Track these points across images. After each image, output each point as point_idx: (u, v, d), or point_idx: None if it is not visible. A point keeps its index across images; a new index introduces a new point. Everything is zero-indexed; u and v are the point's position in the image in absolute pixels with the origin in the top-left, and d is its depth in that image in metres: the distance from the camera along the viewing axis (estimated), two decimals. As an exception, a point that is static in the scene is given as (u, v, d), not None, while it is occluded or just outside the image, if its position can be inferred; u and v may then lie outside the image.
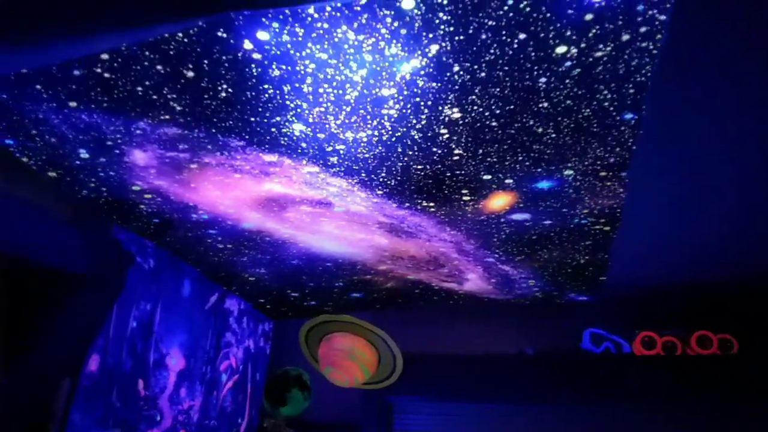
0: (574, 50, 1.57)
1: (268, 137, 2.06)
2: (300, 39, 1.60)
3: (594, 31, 1.51)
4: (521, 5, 1.45)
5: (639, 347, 3.18)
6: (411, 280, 3.38)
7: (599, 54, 1.59)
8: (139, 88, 1.81)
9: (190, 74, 1.74)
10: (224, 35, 1.60)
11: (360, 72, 1.70)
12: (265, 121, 1.96)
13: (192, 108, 1.89)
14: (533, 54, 1.59)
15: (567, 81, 1.69)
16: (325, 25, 1.55)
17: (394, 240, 2.85)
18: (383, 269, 3.21)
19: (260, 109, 1.90)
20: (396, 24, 1.52)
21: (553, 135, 1.95)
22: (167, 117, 1.94)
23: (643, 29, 1.52)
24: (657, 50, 1.56)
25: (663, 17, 1.48)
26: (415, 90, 1.76)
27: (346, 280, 3.38)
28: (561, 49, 1.57)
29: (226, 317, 3.50)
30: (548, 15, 1.49)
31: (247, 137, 2.06)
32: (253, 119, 1.95)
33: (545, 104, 1.80)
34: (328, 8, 1.52)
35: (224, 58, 1.68)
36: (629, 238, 2.65)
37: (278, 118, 1.95)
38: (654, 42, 1.54)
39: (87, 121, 1.97)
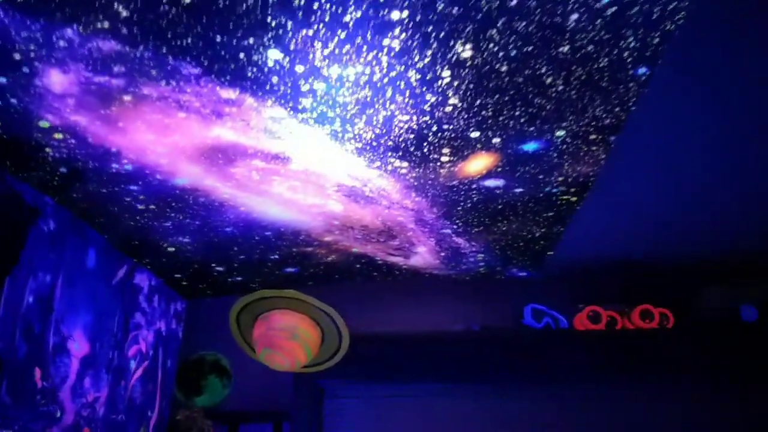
0: (620, -18, 1.41)
1: (232, 65, 1.67)
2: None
3: (650, -42, 1.35)
4: None
5: (585, 322, 3.20)
6: (355, 254, 3.10)
7: (645, -9, 1.44)
8: (71, -24, 1.36)
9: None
10: None
11: (372, -16, 1.40)
12: (234, 42, 1.57)
13: (142, 15, 1.46)
14: (576, -19, 1.40)
15: (598, 21, 1.52)
16: None
17: (351, 206, 2.56)
18: (328, 240, 2.90)
19: (231, 26, 1.51)
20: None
21: (560, 88, 1.79)
22: (106, 25, 1.48)
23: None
24: (700, -8, 1.44)
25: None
26: (431, 16, 1.49)
27: (283, 253, 3.02)
28: (607, -20, 1.40)
29: (135, 295, 2.98)
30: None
31: (205, 63, 1.65)
32: (218, 38, 1.56)
33: (566, 48, 1.62)
34: None
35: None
36: (592, 209, 2.60)
37: (251, 40, 1.57)
38: (701, -19, 1.42)
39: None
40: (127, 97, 1.74)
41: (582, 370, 3.16)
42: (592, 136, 2.07)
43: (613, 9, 1.49)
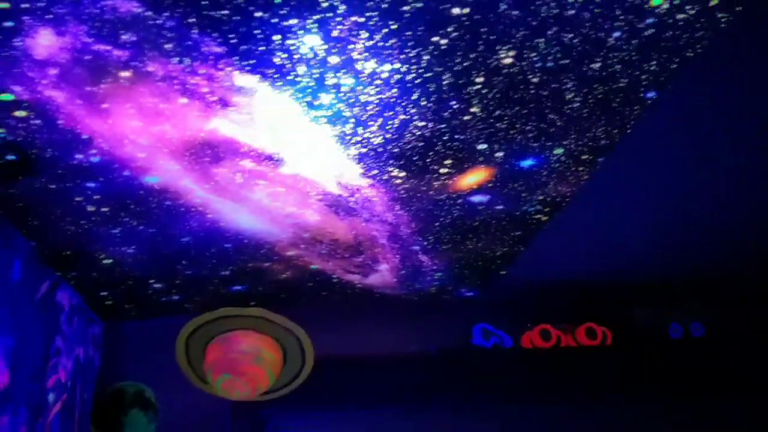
0: (666, 5, 1.48)
1: (261, 47, 1.49)
2: None
3: (699, -14, 1.44)
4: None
5: (534, 339, 3.28)
6: (311, 270, 2.92)
7: (682, 16, 1.53)
8: None
9: None
10: None
11: (446, -26, 1.33)
12: (275, 21, 1.41)
13: (184, -27, 1.25)
14: (633, 1, 1.44)
15: (634, 41, 1.59)
16: None
17: (328, 218, 2.41)
18: (290, 255, 2.70)
19: (278, 0, 1.36)
20: None
21: (576, 105, 1.84)
22: (135, -21, 1.25)
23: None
24: (726, 24, 1.57)
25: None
26: (490, 16, 1.46)
27: (236, 269, 2.75)
28: (657, 1, 1.47)
29: (56, 315, 2.52)
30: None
31: (233, 41, 1.46)
32: (259, 13, 1.39)
33: (597, 65, 1.67)
34: None
35: None
36: (556, 230, 2.71)
37: (294, 21, 1.42)
38: (730, 13, 1.54)
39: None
40: (125, 73, 1.48)
41: (529, 388, 3.24)
42: (584, 156, 2.16)
43: (651, 31, 1.57)
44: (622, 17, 1.51)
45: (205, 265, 2.66)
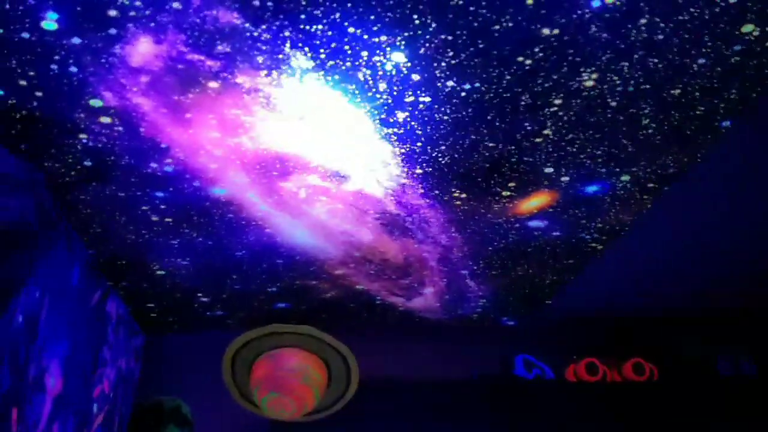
0: (757, 32, 1.47)
1: (348, 63, 1.50)
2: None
3: (795, 13, 1.43)
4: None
5: (580, 372, 3.20)
6: (357, 290, 2.89)
7: (770, 43, 1.52)
8: (232, -72, 1.16)
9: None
10: None
11: (542, -5, 1.34)
12: (366, 37, 1.43)
13: (288, -13, 1.28)
14: (723, 26, 1.44)
15: (718, 68, 1.58)
16: None
17: (382, 238, 2.39)
18: (338, 273, 2.68)
19: (372, 17, 1.37)
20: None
21: (650, 131, 1.82)
22: (240, -9, 1.28)
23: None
24: (815, 53, 1.55)
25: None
26: (579, 37, 1.46)
27: (283, 285, 2.74)
28: (748, 28, 1.46)
29: (105, 324, 2.52)
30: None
31: (322, 56, 1.48)
32: (352, 29, 1.41)
33: (677, 92, 1.66)
34: None
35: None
36: (611, 259, 2.66)
37: (383, 38, 1.44)
38: (820, 43, 1.53)
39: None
40: (213, 84, 1.51)
41: (572, 422, 3.14)
42: (651, 184, 2.13)
43: (737, 58, 1.56)
44: (710, 43, 1.50)
45: (255, 280, 2.65)
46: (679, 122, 1.80)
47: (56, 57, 1.38)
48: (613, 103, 1.70)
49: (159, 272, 2.49)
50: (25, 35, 1.31)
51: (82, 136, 1.63)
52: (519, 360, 3.31)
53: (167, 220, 2.10)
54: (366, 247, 2.48)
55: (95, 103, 1.53)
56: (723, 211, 2.26)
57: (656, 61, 1.55)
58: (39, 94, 1.47)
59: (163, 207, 2.02)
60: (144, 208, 2.01)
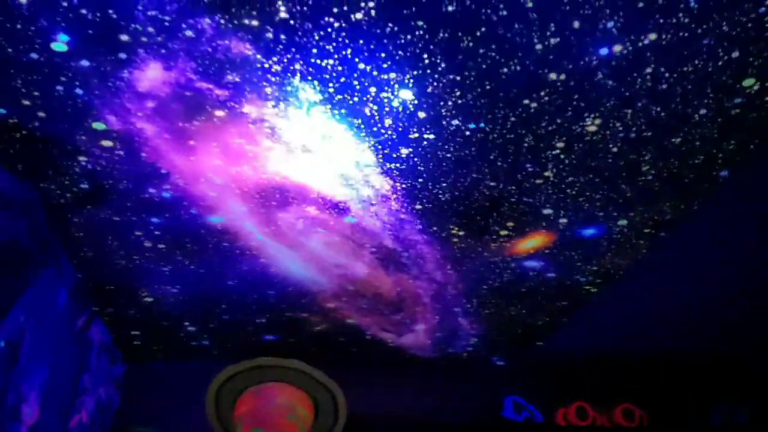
0: (757, 86, 1.51)
1: (356, 98, 1.51)
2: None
3: (794, 70, 1.47)
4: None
5: (570, 416, 3.15)
6: (348, 325, 2.84)
7: (769, 98, 1.56)
8: (252, -38, 1.17)
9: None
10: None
11: (552, 40, 1.36)
12: (375, 73, 1.44)
13: (302, 21, 1.29)
14: (725, 78, 1.47)
15: (719, 120, 1.61)
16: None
17: (376, 272, 2.37)
18: (330, 306, 2.64)
19: (383, 54, 1.38)
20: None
21: (649, 177, 1.84)
22: (254, 23, 1.28)
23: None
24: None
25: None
26: (585, 83, 1.48)
27: (273, 317, 2.68)
28: (749, 82, 1.49)
29: (88, 351, 2.45)
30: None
31: (330, 90, 1.48)
32: (362, 66, 1.41)
33: (678, 140, 1.68)
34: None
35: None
36: (604, 303, 2.65)
37: (393, 75, 1.45)
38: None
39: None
40: (219, 112, 1.50)
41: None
42: (647, 229, 2.14)
43: (737, 111, 1.59)
44: (712, 95, 1.53)
45: (244, 310, 2.60)
46: (678, 170, 1.83)
47: (63, 78, 1.37)
48: (615, 149, 1.73)
49: (147, 299, 2.43)
50: (34, 56, 1.30)
51: (81, 158, 1.61)
52: (509, 402, 3.26)
53: (160, 246, 2.06)
54: (360, 281, 2.45)
55: (98, 126, 1.51)
56: (718, 259, 2.27)
57: (659, 109, 1.58)
58: (41, 114, 1.46)
59: (157, 233, 1.98)
60: (138, 233, 1.97)
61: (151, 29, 1.25)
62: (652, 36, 1.36)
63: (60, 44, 1.27)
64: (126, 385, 3.02)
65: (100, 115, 1.47)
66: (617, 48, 1.39)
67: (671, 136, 1.67)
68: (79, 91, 1.39)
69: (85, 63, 1.32)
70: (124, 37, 1.26)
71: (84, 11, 1.20)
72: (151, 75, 1.37)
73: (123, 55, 1.31)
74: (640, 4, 1.28)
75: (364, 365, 3.30)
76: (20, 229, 1.53)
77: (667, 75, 1.46)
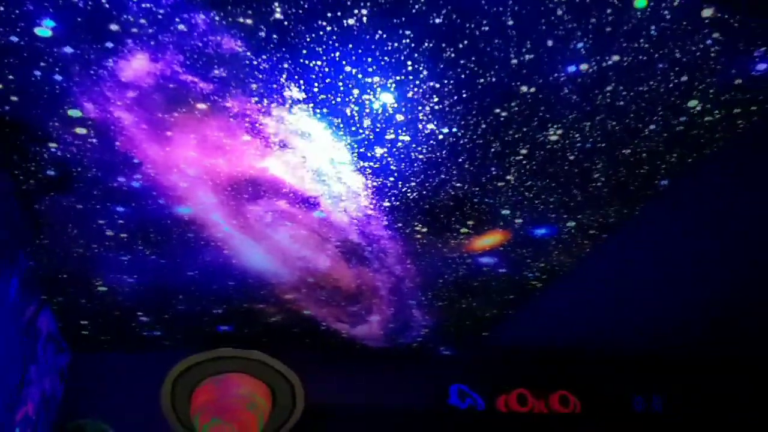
0: (700, 107, 1.68)
1: (339, 98, 1.55)
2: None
3: (731, 95, 1.65)
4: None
5: (511, 403, 3.33)
6: (304, 316, 2.88)
7: (708, 118, 1.73)
8: (253, -36, 1.18)
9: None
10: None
11: (526, 56, 1.46)
12: (360, 76, 1.48)
13: (296, 22, 1.31)
14: (674, 99, 1.63)
15: (665, 134, 1.78)
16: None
17: (339, 265, 2.42)
18: (288, 298, 2.66)
19: (369, 59, 1.43)
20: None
21: (599, 184, 2.00)
22: (248, 21, 1.29)
23: (753, 106, 1.69)
24: (742, 130, 1.78)
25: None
26: (552, 97, 1.59)
27: (230, 308, 2.67)
28: (693, 103, 1.66)
29: (35, 341, 2.35)
30: (713, 80, 1.56)
31: (315, 90, 1.52)
32: (348, 68, 1.46)
33: (627, 151, 1.84)
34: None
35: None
36: (548, 297, 2.83)
37: (376, 78, 1.50)
38: (747, 121, 1.76)
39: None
40: (201, 105, 1.50)
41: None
42: (592, 231, 2.32)
43: (681, 128, 1.76)
44: (661, 113, 1.70)
45: (202, 301, 2.58)
46: (625, 178, 2.00)
47: (42, 64, 1.33)
48: (572, 157, 1.87)
49: (101, 288, 2.36)
50: (14, 39, 1.26)
51: (51, 144, 1.56)
52: (454, 389, 3.41)
53: (122, 235, 2.02)
54: (321, 274, 2.50)
55: (74, 113, 1.47)
56: (653, 261, 2.49)
57: (614, 123, 1.72)
58: (14, 98, 1.41)
59: (121, 222, 1.95)
60: (100, 221, 1.93)
61: (143, 21, 1.24)
62: (616, 57, 1.49)
63: (44, 29, 1.24)
64: (71, 376, 2.92)
65: (77, 102, 1.44)
66: (584, 66, 1.51)
67: (622, 147, 1.84)
68: (58, 77, 1.36)
69: (68, 49, 1.29)
70: (114, 27, 1.25)
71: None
72: (137, 65, 1.35)
73: (110, 44, 1.29)
74: (608, 29, 1.41)
75: (317, 355, 3.35)
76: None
77: (624, 93, 1.61)
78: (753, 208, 2.19)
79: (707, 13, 1.40)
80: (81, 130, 1.53)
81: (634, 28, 1.41)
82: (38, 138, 1.52)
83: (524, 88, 1.56)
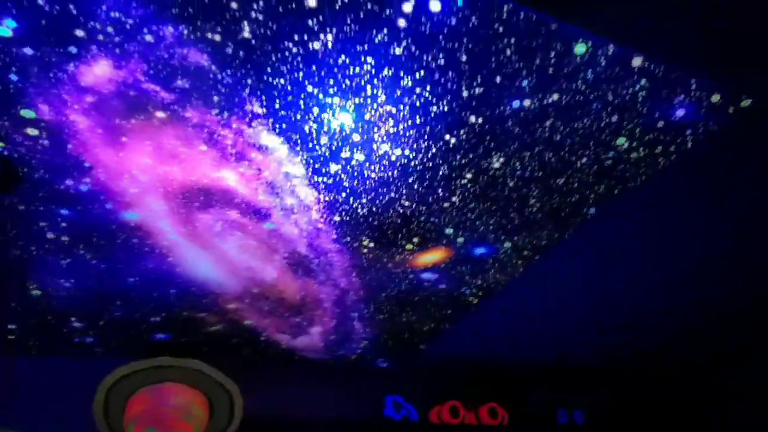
0: (626, 145, 1.85)
1: (298, 116, 1.60)
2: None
3: (654, 135, 1.83)
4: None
5: (444, 415, 3.42)
6: (243, 326, 2.87)
7: (634, 155, 1.91)
8: (225, -17, 1.22)
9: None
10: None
11: (477, 89, 1.57)
12: (321, 97, 1.54)
13: (263, 42, 1.35)
14: (604, 137, 1.79)
15: (594, 168, 1.94)
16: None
17: (285, 276, 2.44)
18: (230, 307, 2.65)
19: (330, 81, 1.50)
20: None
21: (535, 209, 2.14)
22: (217, 38, 1.33)
23: (673, 146, 1.89)
24: (662, 167, 1.98)
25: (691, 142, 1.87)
26: (497, 128, 1.71)
27: (169, 316, 2.63)
28: (621, 141, 1.83)
29: (-44, 345, 2.22)
30: (639, 121, 1.74)
31: (275, 106, 1.56)
32: (310, 88, 1.51)
33: (561, 181, 1.99)
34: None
35: None
36: (483, 312, 2.97)
37: (336, 100, 1.57)
38: (667, 159, 1.95)
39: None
40: (160, 114, 1.51)
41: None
42: (526, 252, 2.47)
43: (609, 162, 1.94)
44: (592, 148, 1.86)
45: (140, 308, 2.53)
46: (558, 205, 2.16)
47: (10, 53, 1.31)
48: (511, 183, 2.00)
49: (35, 292, 2.27)
50: (-14, 39, 1.23)
51: (-2, 143, 1.52)
52: (389, 401, 3.49)
53: (63, 238, 1.97)
54: (267, 285, 2.52)
55: (27, 113, 1.45)
56: (583, 281, 2.69)
57: (551, 155, 1.87)
58: (-34, 96, 1.37)
59: (63, 225, 1.90)
60: (42, 224, 1.87)
61: (110, 29, 1.25)
62: (555, 96, 1.64)
63: (4, 29, 1.22)
64: (-10, 382, 2.77)
65: (31, 103, 1.41)
66: (527, 102, 1.65)
67: (557, 177, 1.99)
68: (14, 77, 1.33)
69: (28, 51, 1.28)
70: (80, 33, 1.25)
71: (41, 2, 1.18)
72: (98, 71, 1.36)
73: (73, 49, 1.29)
74: (550, 70, 1.55)
75: (254, 366, 3.34)
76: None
77: (561, 128, 1.76)
78: (672, 236, 2.41)
79: (637, 62, 1.58)
80: (33, 131, 1.50)
81: (573, 71, 1.56)
82: (-12, 134, 1.48)
83: (473, 119, 1.68)
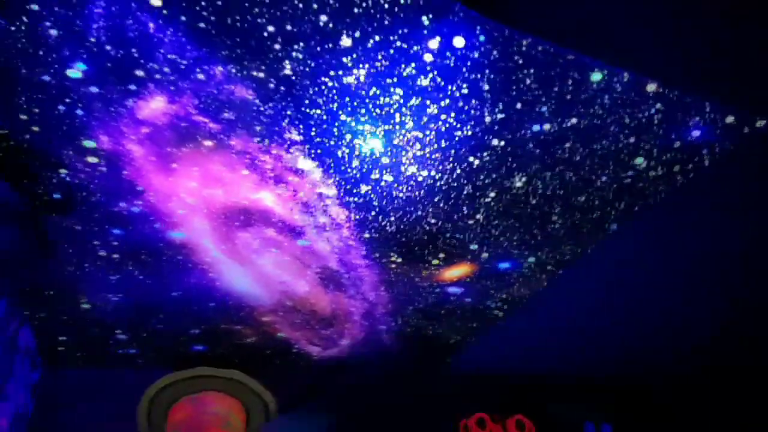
0: (644, 164, 1.93)
1: (332, 142, 1.73)
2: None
3: (671, 155, 1.91)
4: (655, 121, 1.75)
5: (471, 426, 3.49)
6: (278, 338, 2.99)
7: (653, 173, 1.99)
8: (271, 28, 1.35)
9: (349, 39, 1.40)
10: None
11: (498, 115, 1.68)
12: (353, 125, 1.67)
13: (302, 78, 1.49)
14: (623, 156, 1.87)
15: (614, 186, 2.02)
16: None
17: (316, 290, 2.56)
18: (266, 320, 2.78)
19: (362, 110, 1.62)
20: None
21: (557, 226, 2.23)
22: (261, 75, 1.46)
23: (690, 165, 1.96)
24: (680, 185, 2.05)
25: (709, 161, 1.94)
26: (519, 150, 1.82)
27: (207, 328, 2.77)
28: (639, 160, 1.91)
29: (14, 356, 2.39)
30: (656, 142, 1.82)
31: (311, 134, 1.69)
32: (342, 116, 1.64)
33: (582, 198, 2.08)
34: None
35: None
36: (509, 325, 3.04)
37: (366, 127, 1.69)
38: (685, 178, 2.02)
39: (139, 32, 1.31)
40: (208, 143, 1.65)
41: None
42: (549, 267, 2.55)
43: (629, 180, 2.02)
44: (611, 167, 1.94)
45: (181, 321, 2.67)
46: (579, 222, 2.24)
47: (67, 100, 1.46)
48: (533, 201, 2.09)
49: (84, 305, 2.43)
50: (46, 78, 1.39)
51: (62, 170, 1.68)
52: (417, 413, 3.56)
53: (114, 256, 2.12)
54: (299, 298, 2.64)
55: (88, 143, 1.60)
56: (605, 295, 2.74)
57: (571, 174, 1.96)
58: (35, 128, 1.53)
59: (115, 243, 2.05)
60: (95, 242, 2.03)
61: (166, 69, 1.40)
62: (574, 120, 1.73)
63: (76, 72, 1.38)
64: (42, 392, 2.93)
65: (93, 135, 1.57)
66: (547, 126, 1.75)
67: (578, 195, 2.07)
68: (79, 111, 1.49)
69: (94, 89, 1.43)
70: (139, 73, 1.40)
71: (108, 47, 1.32)
72: (154, 106, 1.50)
73: (133, 87, 1.44)
74: (569, 96, 1.64)
75: (285, 376, 3.46)
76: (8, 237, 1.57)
77: (581, 150, 1.85)
78: (691, 251, 2.46)
79: (651, 87, 1.66)
80: (93, 159, 1.65)
81: (591, 97, 1.66)
82: (51, 164, 1.64)
83: (495, 142, 1.78)
